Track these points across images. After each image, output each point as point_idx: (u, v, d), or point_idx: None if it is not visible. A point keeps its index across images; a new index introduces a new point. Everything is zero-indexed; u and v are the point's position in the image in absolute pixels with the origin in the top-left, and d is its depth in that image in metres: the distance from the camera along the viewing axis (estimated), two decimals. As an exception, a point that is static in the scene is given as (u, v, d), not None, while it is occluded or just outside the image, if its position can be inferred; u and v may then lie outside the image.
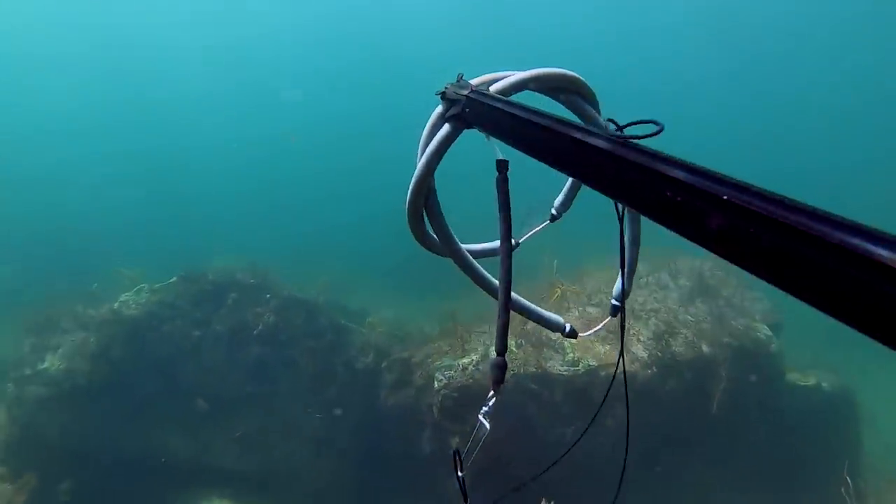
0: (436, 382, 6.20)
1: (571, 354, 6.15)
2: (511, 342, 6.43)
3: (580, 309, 6.85)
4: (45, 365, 7.29)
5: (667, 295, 6.95)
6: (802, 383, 6.86)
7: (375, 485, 7.84)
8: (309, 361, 7.99)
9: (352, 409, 8.03)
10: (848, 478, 4.62)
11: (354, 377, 8.06)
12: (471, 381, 6.00)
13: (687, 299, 6.98)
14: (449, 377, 6.11)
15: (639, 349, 6.26)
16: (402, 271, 14.44)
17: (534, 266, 9.75)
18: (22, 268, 13.65)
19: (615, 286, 1.51)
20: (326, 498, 7.65)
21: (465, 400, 5.95)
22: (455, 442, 6.69)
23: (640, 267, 6.44)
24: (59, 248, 14.77)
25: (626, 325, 5.61)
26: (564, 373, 6.03)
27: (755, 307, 6.91)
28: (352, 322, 8.65)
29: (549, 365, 6.07)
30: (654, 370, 6.05)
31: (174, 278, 7.92)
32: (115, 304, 7.60)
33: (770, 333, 6.56)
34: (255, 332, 7.77)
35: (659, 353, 6.14)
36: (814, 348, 7.60)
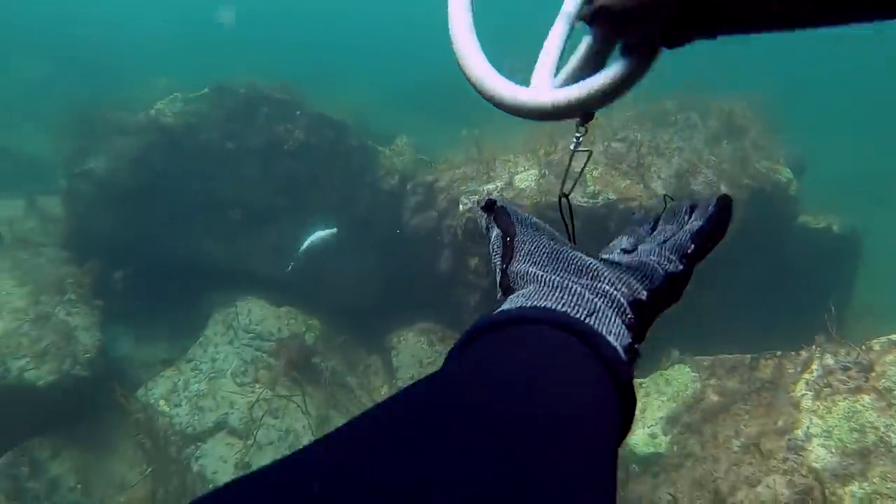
0: (461, 206, 6.53)
1: (592, 187, 6.38)
2: (534, 173, 6.64)
3: (605, 144, 6.93)
4: (91, 165, 7.69)
5: (693, 134, 6.98)
6: (813, 226, 7.13)
7: (395, 296, 8.56)
8: (337, 179, 8.32)
9: (376, 228, 8.51)
10: (832, 307, 5.06)
11: (379, 197, 8.43)
12: (494, 205, 6.30)
13: (713, 140, 7.01)
14: (474, 201, 6.42)
15: (658, 185, 6.46)
16: (424, 98, 14.35)
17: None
18: (55, 72, 13.73)
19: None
20: (350, 303, 8.39)
21: (487, 222, 6.31)
22: (474, 263, 7.21)
23: (669, 105, 6.46)
24: (91, 54, 14.67)
25: (647, 161, 5.75)
26: (584, 204, 6.30)
27: (780, 150, 6.96)
28: (379, 144, 8.82)
29: (570, 196, 6.31)
30: (671, 206, 6.29)
31: (206, 89, 8.00)
32: (152, 112, 7.78)
33: (791, 176, 6.69)
34: (285, 147, 8.00)
35: (678, 192, 6.34)
36: (833, 194, 7.78)
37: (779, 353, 4.90)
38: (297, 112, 8.06)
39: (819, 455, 4.35)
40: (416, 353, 7.22)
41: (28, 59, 14.98)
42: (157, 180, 7.77)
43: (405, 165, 8.54)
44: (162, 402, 6.79)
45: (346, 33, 22.56)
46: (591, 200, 6.29)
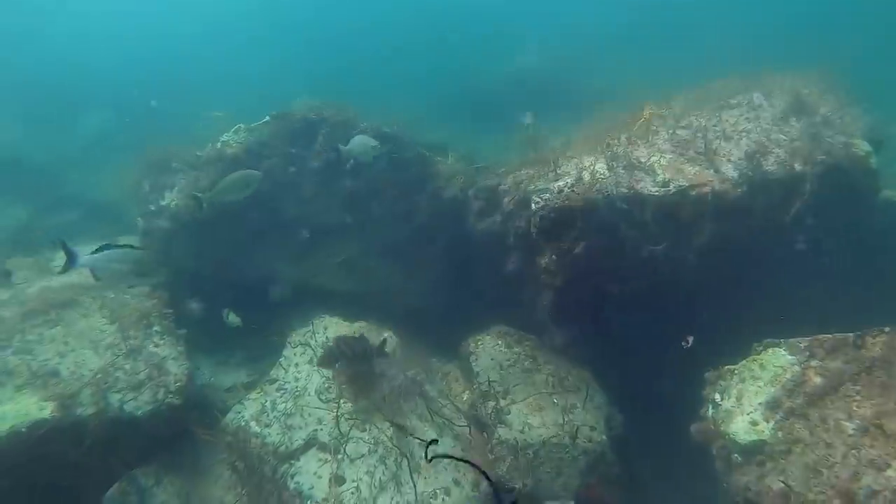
0: (532, 205, 6.54)
1: (662, 176, 6.30)
2: (602, 166, 6.61)
3: (669, 132, 6.85)
4: (165, 202, 8.01)
5: (759, 115, 6.83)
6: (896, 199, 6.89)
7: (465, 302, 8.61)
8: (397, 191, 8.45)
9: (439, 236, 8.61)
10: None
11: (440, 205, 8.52)
12: (567, 202, 6.30)
13: (781, 119, 6.85)
14: (545, 199, 6.42)
15: (728, 169, 6.34)
16: (465, 111, 14.48)
17: (612, 91, 9.58)
18: (120, 114, 14.44)
19: None
20: (421, 312, 8.49)
21: (561, 219, 6.31)
22: (544, 262, 7.19)
23: (729, 87, 6.35)
24: (154, 95, 15.35)
25: (714, 146, 5.66)
26: (655, 193, 6.23)
27: (855, 124, 6.75)
28: (432, 154, 8.93)
29: (640, 186, 6.27)
30: (744, 189, 6.17)
31: (266, 118, 8.25)
32: (218, 144, 8.07)
33: (869, 149, 6.47)
34: (346, 166, 8.18)
35: (750, 173, 6.21)
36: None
37: (887, 328, 4.73)
38: (353, 130, 8.23)
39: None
40: (495, 356, 7.24)
41: (92, 112, 15.83)
42: (227, 209, 8.03)
43: (463, 172, 8.62)
44: (253, 424, 6.97)
45: (375, 50, 22.96)
46: (661, 189, 6.22)
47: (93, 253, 5.22)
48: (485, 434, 6.86)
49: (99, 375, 6.98)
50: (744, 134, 6.57)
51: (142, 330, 7.73)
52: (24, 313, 7.56)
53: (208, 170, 8.08)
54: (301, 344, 7.69)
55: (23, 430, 6.02)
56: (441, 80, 17.81)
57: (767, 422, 4.93)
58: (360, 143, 7.32)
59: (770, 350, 5.35)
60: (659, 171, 6.32)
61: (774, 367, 5.19)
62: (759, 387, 5.12)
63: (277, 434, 6.79)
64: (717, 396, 5.37)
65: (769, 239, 6.19)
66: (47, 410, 6.36)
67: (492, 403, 6.79)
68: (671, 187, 6.16)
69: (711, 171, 6.29)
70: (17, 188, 11.99)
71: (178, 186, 8.11)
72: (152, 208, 8.19)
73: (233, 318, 7.65)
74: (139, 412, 6.86)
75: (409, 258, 8.50)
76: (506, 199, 7.56)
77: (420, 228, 8.54)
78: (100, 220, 10.88)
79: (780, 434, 4.78)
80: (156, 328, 7.84)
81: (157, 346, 7.64)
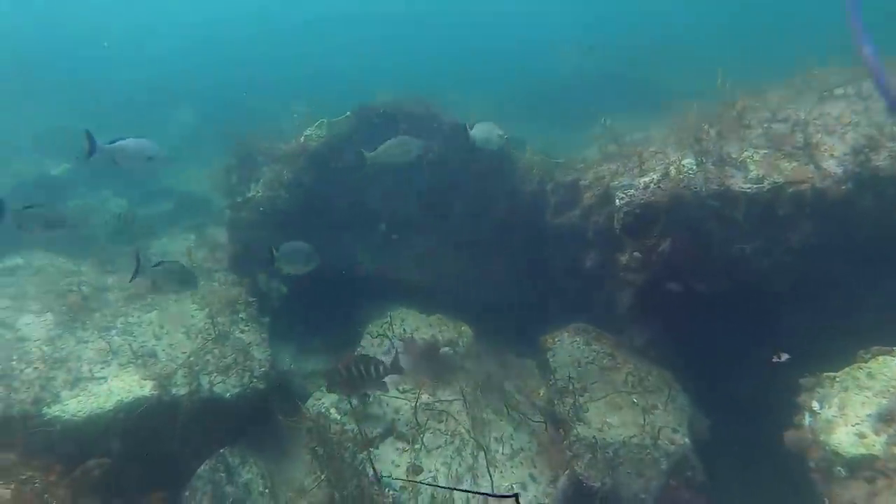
0: (616, 200, 6.40)
1: (755, 172, 6.02)
2: (690, 161, 6.37)
3: (763, 126, 6.53)
4: (251, 194, 8.34)
5: (869, 106, 6.39)
6: None
7: (541, 298, 8.54)
8: (475, 185, 8.46)
9: (517, 230, 8.56)
10: None
11: (518, 200, 8.47)
12: (653, 198, 6.13)
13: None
14: (630, 195, 6.27)
15: (831, 164, 5.97)
16: (538, 109, 14.35)
17: (696, 83, 9.21)
18: (206, 116, 15.22)
19: None
20: (497, 307, 8.48)
21: (646, 216, 6.14)
22: (625, 258, 7.01)
23: (831, 78, 5.92)
24: (232, 94, 16.11)
25: (815, 140, 5.34)
26: (747, 190, 5.96)
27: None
28: (512, 150, 8.87)
29: (731, 182, 6.01)
30: (849, 186, 5.80)
31: (348, 113, 8.43)
32: (301, 139, 8.32)
33: None
34: (425, 158, 8.25)
35: (857, 169, 5.83)
36: None
37: None
38: (434, 124, 8.29)
39: None
40: (573, 353, 7.14)
41: (181, 108, 16.76)
42: (309, 201, 8.27)
43: (540, 167, 8.53)
44: (333, 411, 7.16)
45: (450, 50, 23.14)
46: (754, 185, 5.94)
47: (153, 267, 6.60)
48: (561, 431, 6.79)
49: (191, 358, 7.35)
50: (850, 127, 6.17)
51: (229, 316, 8.09)
52: (126, 297, 8.07)
53: (291, 163, 8.34)
54: (379, 335, 7.84)
55: (127, 404, 6.45)
56: (513, 80, 17.76)
57: (878, 435, 4.63)
58: (486, 130, 7.07)
59: (880, 358, 5.02)
60: (752, 167, 6.04)
61: (886, 376, 4.87)
62: (867, 397, 4.81)
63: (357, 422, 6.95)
64: (816, 405, 5.09)
65: (879, 240, 5.79)
66: (147, 388, 6.77)
67: (569, 400, 6.71)
68: (765, 184, 5.87)
69: (811, 167, 5.95)
70: (116, 181, 12.81)
71: (262, 179, 8.41)
72: (239, 200, 8.53)
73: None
74: (227, 394, 7.19)
75: (486, 252, 8.49)
76: (586, 195, 7.43)
77: (497, 223, 8.52)
78: (190, 211, 11.47)
79: (894, 449, 4.48)
80: (241, 315, 8.18)
81: (242, 332, 7.98)
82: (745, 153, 6.25)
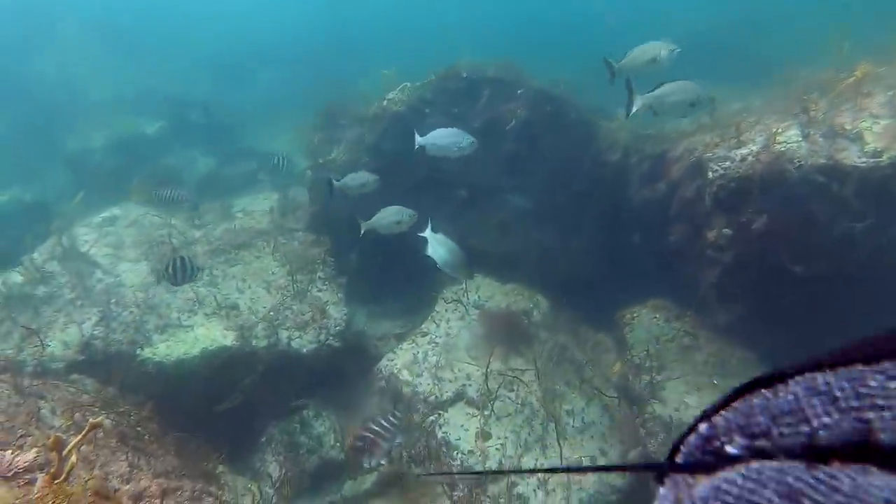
0: (710, 173, 6.05)
1: (873, 144, 5.51)
2: (795, 133, 5.92)
3: (889, 94, 5.94)
4: (333, 156, 8.45)
5: None
6: None
7: (620, 272, 8.26)
8: (559, 154, 8.22)
9: (599, 201, 8.28)
10: None
11: (602, 170, 8.17)
12: (751, 171, 5.74)
13: None
14: (725, 168, 5.90)
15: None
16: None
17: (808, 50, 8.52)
18: (292, 77, 15.56)
19: None
20: (575, 278, 8.28)
21: (742, 190, 5.78)
22: (713, 235, 6.66)
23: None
24: (326, 57, 16.41)
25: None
26: (861, 165, 5.47)
27: None
28: (595, 118, 8.55)
29: (842, 156, 5.54)
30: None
31: (432, 76, 8.34)
32: (384, 102, 8.32)
33: None
34: (507, 127, 8.08)
35: None
36: None
37: None
38: (519, 91, 8.08)
39: None
40: (652, 329, 6.90)
41: (269, 69, 17.22)
42: (390, 165, 8.28)
43: (627, 137, 8.18)
44: (405, 372, 7.25)
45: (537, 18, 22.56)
46: (871, 160, 5.44)
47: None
48: (635, 408, 6.61)
49: (271, 313, 7.63)
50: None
51: (307, 275, 8.31)
52: (212, 251, 8.42)
53: (373, 126, 8.36)
54: (454, 300, 7.84)
55: (211, 352, 6.77)
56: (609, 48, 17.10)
57: None
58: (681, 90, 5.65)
59: None
60: (870, 140, 5.53)
61: None
62: None
63: (428, 384, 7.02)
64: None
65: None
66: (230, 339, 7.09)
67: (646, 377, 6.51)
68: (884, 158, 5.37)
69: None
70: (206, 140, 13.34)
71: (344, 141, 8.49)
72: (321, 161, 8.66)
73: None
74: (304, 349, 7.43)
75: (566, 223, 8.27)
76: (675, 167, 7.07)
77: (579, 193, 8.26)
78: (273, 172, 11.77)
79: None
80: (319, 274, 8.38)
81: (320, 290, 8.18)
82: (863, 124, 5.73)
